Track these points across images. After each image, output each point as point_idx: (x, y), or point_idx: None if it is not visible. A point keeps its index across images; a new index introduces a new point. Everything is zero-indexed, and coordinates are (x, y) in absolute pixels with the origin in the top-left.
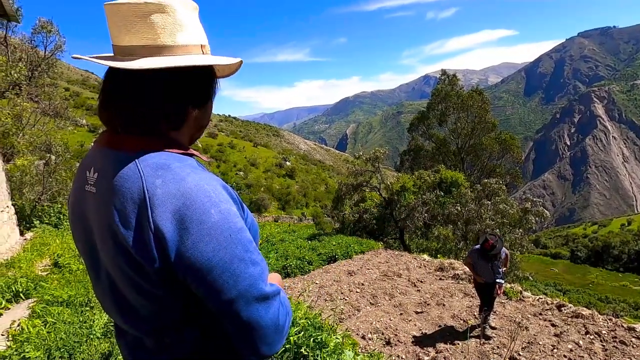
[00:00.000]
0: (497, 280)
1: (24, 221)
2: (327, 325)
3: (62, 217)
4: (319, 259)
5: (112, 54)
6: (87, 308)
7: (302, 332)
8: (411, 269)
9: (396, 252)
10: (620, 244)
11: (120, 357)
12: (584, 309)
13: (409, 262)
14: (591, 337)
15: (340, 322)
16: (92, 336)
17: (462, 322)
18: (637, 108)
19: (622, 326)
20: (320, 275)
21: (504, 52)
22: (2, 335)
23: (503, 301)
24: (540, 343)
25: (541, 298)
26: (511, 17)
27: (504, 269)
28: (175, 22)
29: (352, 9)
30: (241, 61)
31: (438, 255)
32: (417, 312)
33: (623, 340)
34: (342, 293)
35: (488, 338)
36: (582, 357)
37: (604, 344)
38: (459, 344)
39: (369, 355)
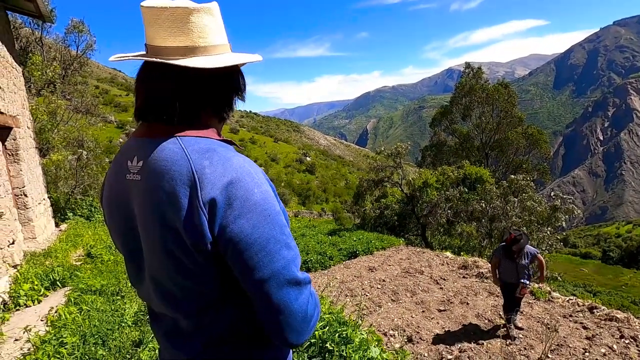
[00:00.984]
0: (522, 281)
1: (59, 213)
2: (352, 321)
3: (93, 209)
4: (340, 255)
5: (144, 52)
6: (119, 297)
7: (327, 327)
8: (433, 266)
9: (418, 249)
10: None
11: (151, 344)
12: (618, 311)
13: (431, 259)
14: (626, 341)
15: (362, 317)
16: (123, 324)
17: (486, 321)
18: None
19: None
20: (341, 270)
21: (533, 43)
22: (42, 320)
23: (531, 301)
24: (571, 346)
25: (571, 299)
26: (541, 6)
27: (545, 272)
28: (218, 24)
29: (374, 2)
30: (261, 59)
31: (461, 253)
32: (439, 310)
33: None
34: (363, 289)
35: (514, 339)
36: None
37: None
38: (483, 343)
39: (394, 352)
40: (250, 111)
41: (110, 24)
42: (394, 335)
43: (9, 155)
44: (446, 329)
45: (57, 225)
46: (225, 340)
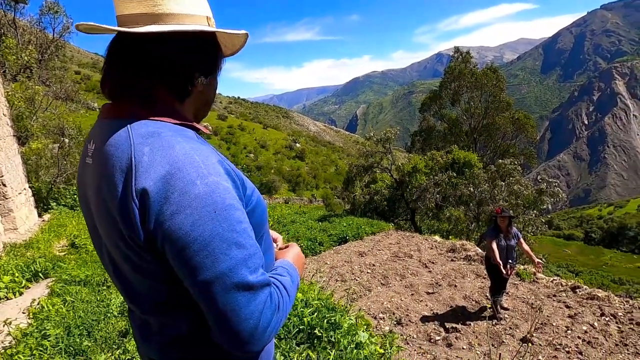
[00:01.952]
0: (509, 261)
1: (42, 203)
2: (340, 306)
3: (77, 198)
4: (330, 240)
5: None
6: (104, 287)
7: (316, 313)
8: (422, 250)
9: (407, 234)
10: (636, 225)
11: None
12: (600, 290)
13: (420, 243)
14: (607, 318)
15: (351, 302)
16: (109, 314)
17: (474, 302)
18: None
19: (639, 308)
20: (331, 256)
21: (522, 27)
22: (23, 313)
23: (516, 282)
24: (554, 324)
25: (555, 280)
26: None
27: (528, 253)
28: None
29: None
30: (246, 34)
31: (450, 237)
32: (428, 293)
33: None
34: (353, 274)
35: (499, 319)
36: (597, 338)
37: (620, 325)
38: (470, 324)
39: (382, 335)
40: (239, 97)
41: (89, 6)
42: (383, 318)
43: None
44: (434, 311)
45: (40, 215)
46: (186, 341)
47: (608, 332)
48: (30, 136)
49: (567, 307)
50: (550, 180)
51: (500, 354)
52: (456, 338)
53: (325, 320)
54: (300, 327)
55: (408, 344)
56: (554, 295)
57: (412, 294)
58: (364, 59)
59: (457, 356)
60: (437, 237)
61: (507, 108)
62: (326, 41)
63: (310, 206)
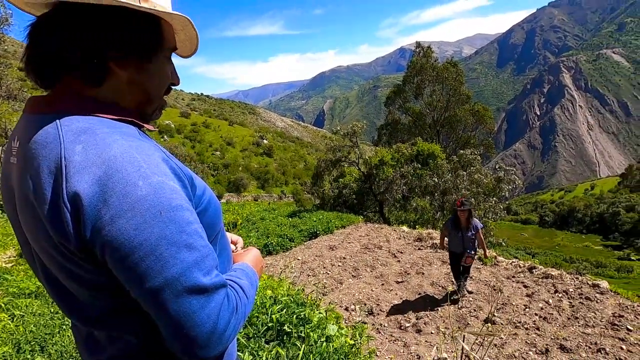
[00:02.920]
0: (467, 251)
1: None
2: (310, 301)
3: None
4: (300, 236)
5: None
6: None
7: (285, 310)
8: (391, 241)
9: (376, 225)
10: (584, 208)
11: None
12: (554, 269)
13: (389, 234)
14: (560, 295)
15: (323, 295)
16: (64, 327)
17: (440, 288)
18: (601, 77)
19: (588, 283)
20: (302, 251)
21: (479, 23)
22: None
23: (479, 267)
24: (514, 304)
25: (514, 262)
26: None
27: (481, 245)
28: None
29: None
30: (188, 19)
31: (417, 226)
32: (397, 282)
33: (588, 296)
34: (324, 267)
35: (457, 301)
36: (552, 314)
37: (571, 300)
38: (438, 309)
39: (352, 326)
40: (202, 94)
41: None
42: (355, 309)
43: None
44: (404, 299)
45: None
46: (138, 355)
47: (561, 307)
48: None
49: (525, 286)
50: (507, 168)
51: (464, 335)
52: (425, 323)
53: (294, 316)
54: (269, 325)
55: (379, 332)
56: (513, 277)
57: (383, 284)
58: (329, 53)
59: (426, 341)
60: (404, 228)
61: (467, 101)
62: (291, 35)
63: (280, 202)
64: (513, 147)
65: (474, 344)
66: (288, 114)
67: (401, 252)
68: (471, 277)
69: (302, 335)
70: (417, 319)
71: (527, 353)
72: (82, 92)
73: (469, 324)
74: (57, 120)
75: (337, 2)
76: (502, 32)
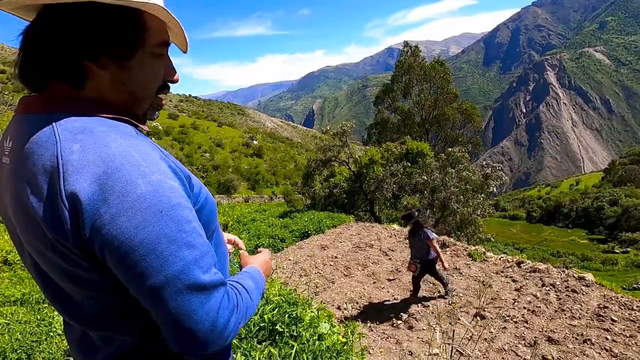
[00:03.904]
0: (412, 259)
1: None
2: (302, 300)
3: None
4: (292, 236)
5: None
6: (45, 305)
7: (277, 309)
8: (382, 239)
9: (367, 224)
10: (569, 203)
11: None
12: (541, 264)
13: (380, 233)
14: (547, 288)
15: (315, 295)
16: (52, 333)
17: (431, 285)
18: (584, 75)
19: (574, 276)
20: (294, 251)
21: (465, 22)
22: None
23: (468, 262)
24: (503, 298)
25: (502, 257)
26: None
27: (437, 255)
28: None
29: None
30: (163, 8)
31: (407, 225)
32: (389, 280)
33: (574, 289)
34: (316, 267)
35: (446, 296)
36: (539, 307)
37: (558, 293)
38: (429, 305)
39: (344, 325)
40: (190, 95)
41: None
42: (347, 308)
43: None
44: (396, 297)
45: None
46: (134, 356)
47: (548, 300)
48: None
49: (514, 281)
50: (494, 165)
51: (454, 330)
52: (416, 320)
53: (286, 315)
54: (262, 325)
55: (372, 330)
56: (502, 272)
57: (374, 282)
58: (317, 53)
59: (418, 337)
60: (395, 226)
61: (454, 99)
62: (279, 36)
63: (271, 203)
64: (500, 144)
65: (463, 338)
66: (277, 115)
67: (392, 250)
68: (461, 274)
69: (295, 334)
70: (408, 315)
71: (516, 346)
72: (70, 94)
73: (459, 319)
74: (53, 120)
75: (323, 3)
76: (488, 31)
